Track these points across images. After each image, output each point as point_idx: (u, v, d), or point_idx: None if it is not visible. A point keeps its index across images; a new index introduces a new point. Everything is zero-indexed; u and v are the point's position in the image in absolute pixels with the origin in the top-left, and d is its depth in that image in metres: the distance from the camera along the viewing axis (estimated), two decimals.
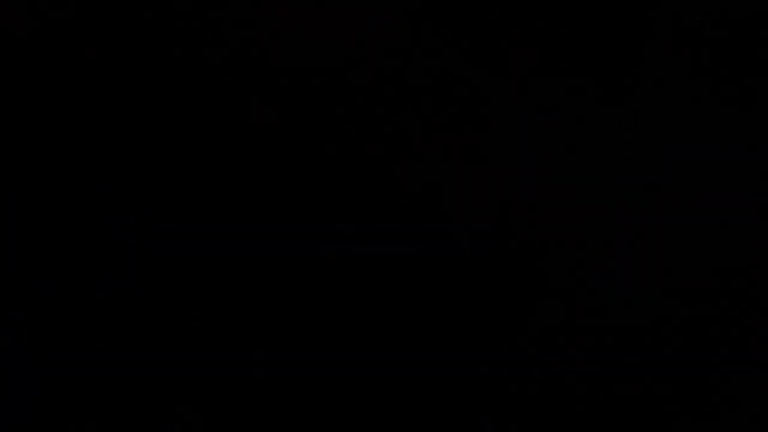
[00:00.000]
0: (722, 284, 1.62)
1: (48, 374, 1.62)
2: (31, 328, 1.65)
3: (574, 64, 1.72)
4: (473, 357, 1.61)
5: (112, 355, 1.63)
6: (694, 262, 1.64)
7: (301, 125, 1.73)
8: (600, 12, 1.74)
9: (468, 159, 1.71)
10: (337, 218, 1.68)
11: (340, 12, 1.75)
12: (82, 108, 1.75)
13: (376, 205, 1.69)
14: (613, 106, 1.72)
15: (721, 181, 1.67)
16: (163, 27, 1.75)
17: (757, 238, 1.64)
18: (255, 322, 1.65)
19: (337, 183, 1.70)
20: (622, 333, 1.61)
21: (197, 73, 1.74)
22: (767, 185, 1.66)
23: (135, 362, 1.63)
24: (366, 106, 1.73)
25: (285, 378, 1.62)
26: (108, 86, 1.75)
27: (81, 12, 1.74)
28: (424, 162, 1.71)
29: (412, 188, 1.70)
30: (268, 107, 1.73)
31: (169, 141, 1.73)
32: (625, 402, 1.57)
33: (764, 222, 1.64)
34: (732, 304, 1.61)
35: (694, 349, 1.59)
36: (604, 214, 1.68)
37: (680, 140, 1.70)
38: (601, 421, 1.57)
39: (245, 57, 1.74)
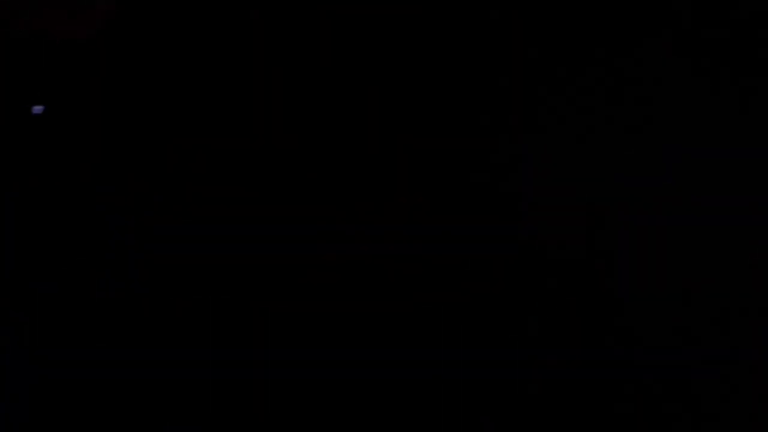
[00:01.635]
0: (722, 284, 1.62)
1: (48, 374, 1.62)
2: (31, 328, 1.65)
3: (574, 64, 1.72)
4: (473, 357, 1.61)
5: (112, 355, 1.63)
6: (693, 261, 1.64)
7: (301, 125, 1.73)
8: (600, 12, 1.74)
9: (468, 159, 1.71)
10: (337, 218, 1.68)
11: (339, 12, 1.76)
12: (83, 108, 1.75)
13: (376, 205, 1.69)
14: (614, 106, 1.72)
15: (720, 181, 1.67)
16: (163, 27, 1.75)
17: (756, 237, 1.64)
18: (255, 322, 1.65)
19: (337, 183, 1.70)
20: (621, 333, 1.61)
21: (197, 73, 1.74)
22: (767, 185, 1.66)
23: (135, 362, 1.63)
24: (366, 106, 1.73)
25: (285, 378, 1.62)
26: (108, 87, 1.75)
27: None
28: (425, 162, 1.71)
29: (412, 188, 1.70)
30: (268, 107, 1.73)
31: (169, 141, 1.73)
32: (625, 402, 1.57)
33: (764, 222, 1.65)
34: (731, 304, 1.61)
35: (694, 348, 1.59)
36: (604, 214, 1.68)
37: (680, 140, 1.70)
38: (602, 421, 1.57)
39: (245, 57, 1.74)
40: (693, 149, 1.70)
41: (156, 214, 1.68)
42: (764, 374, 1.56)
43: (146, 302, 1.65)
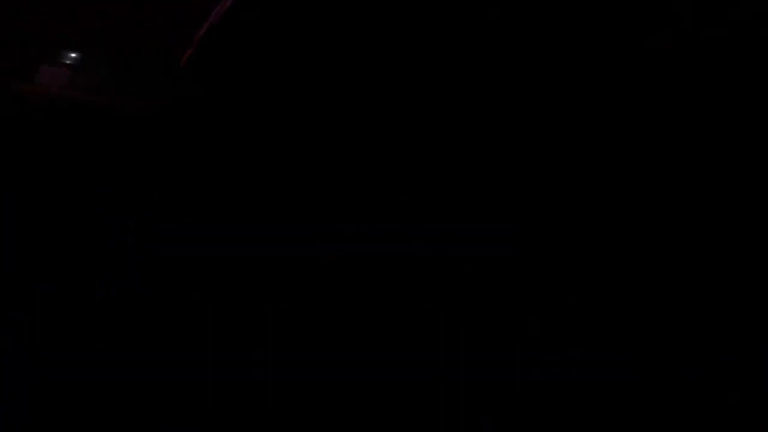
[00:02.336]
0: (720, 284, 1.62)
1: (48, 374, 1.62)
2: (31, 328, 1.65)
3: (574, 64, 1.73)
4: (473, 357, 1.61)
5: (112, 355, 1.63)
6: (692, 261, 1.64)
7: (301, 125, 1.73)
8: (600, 12, 1.74)
9: (468, 159, 1.71)
10: (337, 218, 1.68)
11: (339, 12, 1.76)
12: (82, 109, 1.75)
13: (376, 205, 1.69)
14: (614, 106, 1.72)
15: (720, 181, 1.67)
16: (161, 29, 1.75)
17: (755, 237, 1.64)
18: (255, 322, 1.65)
19: (337, 183, 1.70)
20: (621, 333, 1.61)
21: (196, 72, 1.74)
22: (766, 184, 1.67)
23: (135, 362, 1.63)
24: (366, 106, 1.73)
25: (285, 378, 1.62)
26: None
27: None
28: (425, 162, 1.71)
29: (412, 188, 1.70)
30: (268, 107, 1.73)
31: (169, 141, 1.73)
32: (625, 402, 1.57)
33: (764, 221, 1.65)
34: (731, 304, 1.61)
35: (693, 348, 1.59)
36: (603, 214, 1.68)
37: (680, 139, 1.71)
38: (602, 421, 1.57)
39: (246, 57, 1.74)
40: (692, 148, 1.70)
41: (156, 214, 1.68)
42: (764, 374, 1.56)
43: (146, 302, 1.65)
